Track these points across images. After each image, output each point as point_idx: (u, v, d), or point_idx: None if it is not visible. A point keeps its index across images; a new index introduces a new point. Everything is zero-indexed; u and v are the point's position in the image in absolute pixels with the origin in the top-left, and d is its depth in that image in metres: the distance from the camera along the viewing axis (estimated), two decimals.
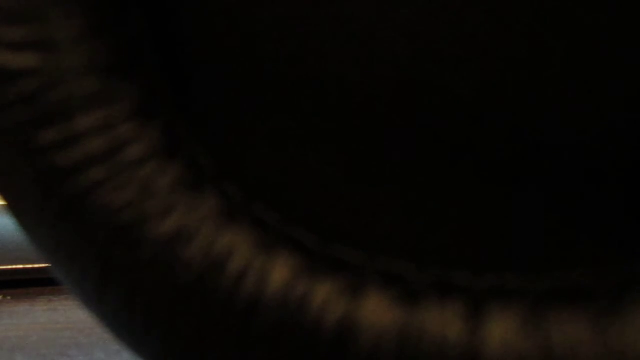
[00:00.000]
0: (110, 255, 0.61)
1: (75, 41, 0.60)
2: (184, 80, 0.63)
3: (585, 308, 0.55)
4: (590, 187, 0.57)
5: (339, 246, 0.60)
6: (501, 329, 0.56)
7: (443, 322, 0.57)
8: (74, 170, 0.60)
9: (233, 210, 0.61)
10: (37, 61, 0.59)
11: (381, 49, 0.57)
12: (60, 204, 0.61)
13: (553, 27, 0.54)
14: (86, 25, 0.60)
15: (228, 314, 0.60)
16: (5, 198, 0.65)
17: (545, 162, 0.57)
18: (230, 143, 0.62)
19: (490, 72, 0.56)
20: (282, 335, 0.59)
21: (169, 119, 0.62)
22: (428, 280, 0.59)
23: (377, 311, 0.58)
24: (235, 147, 0.62)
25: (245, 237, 0.60)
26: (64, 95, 0.60)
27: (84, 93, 0.60)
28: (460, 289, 0.58)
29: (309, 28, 0.58)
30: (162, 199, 0.60)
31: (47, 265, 0.65)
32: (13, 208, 0.65)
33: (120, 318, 0.63)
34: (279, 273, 0.59)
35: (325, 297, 0.58)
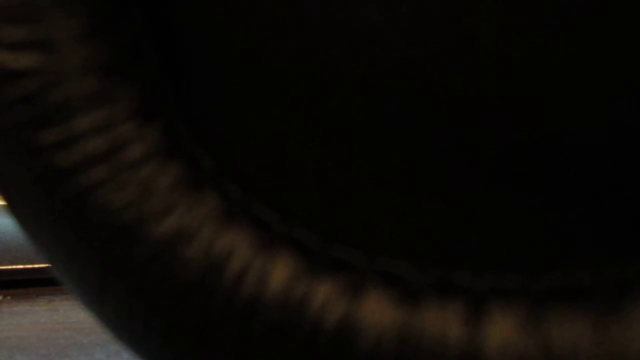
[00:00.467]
0: (110, 255, 0.61)
1: (75, 41, 0.60)
2: (183, 81, 0.63)
3: (585, 308, 0.55)
4: (589, 188, 0.57)
5: (339, 246, 0.60)
6: (501, 329, 0.56)
7: (443, 322, 0.57)
8: (74, 170, 0.60)
9: (233, 210, 0.61)
10: (37, 61, 0.59)
11: (381, 50, 0.57)
12: (60, 204, 0.61)
13: (552, 28, 0.54)
14: (86, 25, 0.60)
15: (228, 314, 0.60)
16: (6, 198, 0.65)
17: (546, 162, 0.57)
18: (230, 143, 0.62)
19: (492, 73, 0.56)
20: (282, 335, 0.59)
21: (169, 119, 0.62)
22: (428, 280, 0.59)
23: (377, 311, 0.58)
24: (235, 147, 0.62)
25: (245, 237, 0.60)
26: (64, 95, 0.60)
27: (84, 93, 0.60)
28: (460, 289, 0.58)
29: (308, 29, 0.58)
30: (162, 199, 0.60)
31: (47, 265, 0.65)
32: (13, 208, 0.65)
33: (120, 318, 0.63)
34: (279, 273, 0.59)
35: (325, 297, 0.58)
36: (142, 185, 0.60)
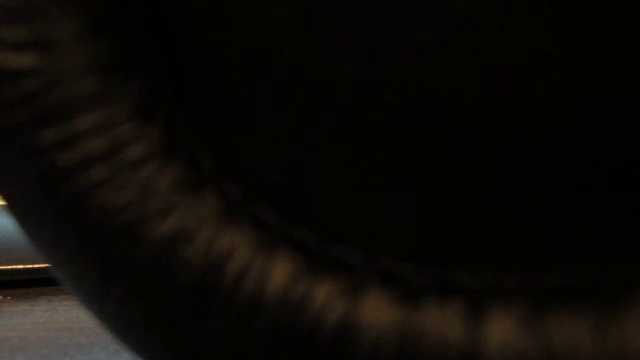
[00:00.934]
0: (110, 255, 0.61)
1: (75, 41, 0.60)
2: (183, 81, 0.63)
3: (585, 308, 0.56)
4: (589, 188, 0.57)
5: (339, 246, 0.60)
6: (501, 329, 0.56)
7: (443, 322, 0.57)
8: (74, 170, 0.60)
9: (233, 210, 0.61)
10: (37, 61, 0.59)
11: (382, 51, 0.57)
12: (60, 204, 0.61)
13: (550, 30, 0.54)
14: (86, 25, 0.60)
15: (228, 314, 0.60)
16: (6, 198, 0.65)
17: (546, 163, 0.57)
18: (230, 143, 0.62)
19: (492, 74, 0.56)
20: (282, 335, 0.59)
21: (168, 119, 0.62)
22: (428, 280, 0.59)
23: (377, 311, 0.58)
24: (235, 147, 0.62)
25: (245, 237, 0.60)
26: (64, 95, 0.60)
27: (84, 93, 0.60)
28: (460, 289, 0.58)
29: (309, 30, 0.58)
30: (162, 199, 0.60)
31: (47, 265, 0.66)
32: (13, 208, 0.65)
33: (120, 318, 0.63)
34: (279, 273, 0.59)
35: (325, 297, 0.58)
36: (142, 185, 0.60)
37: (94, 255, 0.62)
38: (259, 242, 0.60)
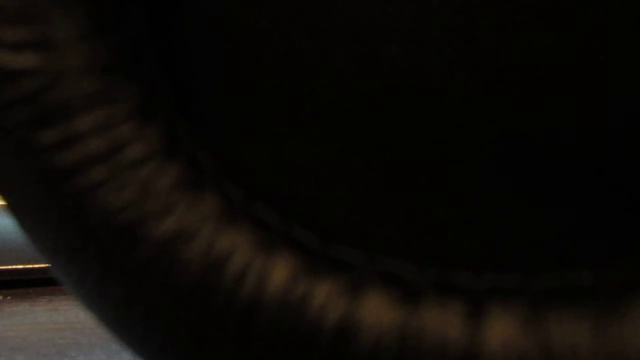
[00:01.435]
0: (110, 255, 0.61)
1: (76, 41, 0.60)
2: (183, 81, 0.63)
3: (585, 308, 0.55)
4: (589, 188, 0.57)
5: (339, 246, 0.60)
6: (501, 329, 0.56)
7: (443, 322, 0.57)
8: (75, 170, 0.60)
9: (233, 210, 0.61)
10: (37, 61, 0.59)
11: (382, 53, 0.57)
12: (60, 204, 0.61)
13: (549, 33, 0.54)
14: (86, 25, 0.60)
15: (228, 314, 0.60)
16: (6, 198, 0.65)
17: (545, 164, 0.57)
18: (230, 143, 0.62)
19: (490, 75, 0.56)
20: (282, 335, 0.59)
21: (169, 119, 0.62)
22: (428, 280, 0.59)
23: (377, 311, 0.58)
24: (235, 147, 0.62)
25: (245, 237, 0.60)
26: (64, 95, 0.60)
27: (84, 93, 0.60)
28: (460, 289, 0.58)
29: (309, 30, 0.58)
30: (162, 199, 0.60)
31: (47, 265, 0.65)
32: (13, 208, 0.65)
33: (120, 318, 0.63)
34: (279, 273, 0.59)
35: (325, 297, 0.58)
36: (142, 185, 0.60)
37: (94, 255, 0.62)
38: (259, 242, 0.60)
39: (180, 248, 0.60)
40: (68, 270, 0.64)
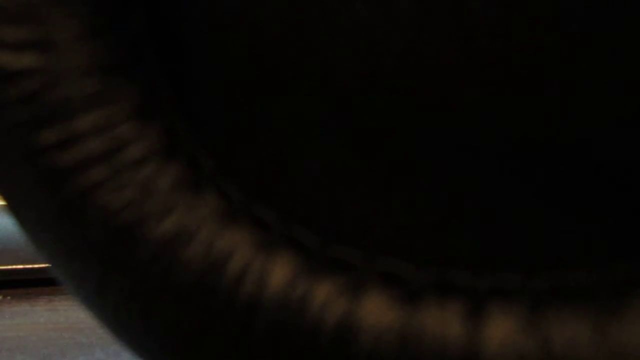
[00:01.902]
0: (110, 255, 0.61)
1: (75, 41, 0.60)
2: (183, 81, 0.63)
3: (586, 308, 0.55)
4: (589, 187, 0.57)
5: (339, 246, 0.60)
6: (501, 328, 0.56)
7: (443, 322, 0.57)
8: (74, 170, 0.60)
9: (233, 210, 0.61)
10: (37, 61, 0.59)
11: (382, 49, 0.57)
12: (60, 204, 0.61)
13: (550, 32, 0.54)
14: (86, 25, 0.60)
15: (228, 314, 0.60)
16: (5, 198, 0.65)
17: (544, 161, 0.57)
18: (230, 143, 0.62)
19: (489, 74, 0.56)
20: (282, 335, 0.59)
21: (169, 119, 0.62)
22: (428, 280, 0.59)
23: (377, 311, 0.58)
24: (235, 147, 0.62)
25: (245, 237, 0.60)
26: (64, 95, 0.60)
27: (84, 93, 0.60)
28: (460, 289, 0.58)
29: (309, 28, 0.58)
30: (162, 199, 0.60)
31: (47, 265, 0.65)
32: (13, 208, 0.65)
33: (120, 318, 0.63)
34: (279, 273, 0.59)
35: (325, 297, 0.58)
36: (142, 185, 0.60)
37: (94, 255, 0.62)
38: (259, 242, 0.60)
39: (180, 248, 0.60)
40: (68, 270, 0.64)
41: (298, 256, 0.60)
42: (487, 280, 0.58)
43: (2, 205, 0.66)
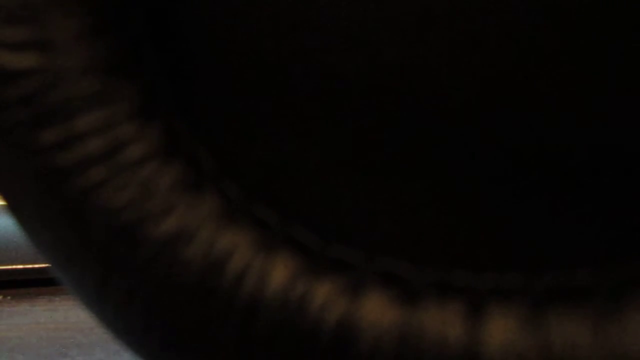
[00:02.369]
0: (110, 255, 0.61)
1: (75, 41, 0.60)
2: (184, 81, 0.63)
3: (585, 308, 0.55)
4: (590, 188, 0.57)
5: (339, 246, 0.60)
6: (501, 328, 0.56)
7: (443, 322, 0.57)
8: (74, 170, 0.60)
9: (233, 210, 0.61)
10: (37, 61, 0.59)
11: (382, 49, 0.57)
12: (60, 204, 0.61)
13: (549, 30, 0.54)
14: (86, 26, 0.60)
15: (228, 314, 0.60)
16: (6, 198, 0.65)
17: (545, 163, 0.57)
18: (230, 143, 0.62)
19: (488, 73, 0.56)
20: (282, 335, 0.59)
21: (169, 119, 0.62)
22: (427, 280, 0.59)
23: (377, 311, 0.58)
24: (235, 147, 0.62)
25: (245, 237, 0.60)
26: (64, 95, 0.60)
27: (84, 93, 0.60)
28: (460, 289, 0.58)
29: (310, 28, 0.58)
30: (162, 199, 0.60)
31: (47, 265, 0.65)
32: (13, 208, 0.65)
33: (120, 318, 0.63)
34: (279, 273, 0.59)
35: (325, 297, 0.58)
36: (142, 185, 0.60)
37: (94, 255, 0.62)
38: (259, 242, 0.60)
39: (181, 248, 0.60)
40: (68, 270, 0.64)
41: (298, 256, 0.60)
42: (487, 280, 0.58)
43: (2, 205, 0.66)
